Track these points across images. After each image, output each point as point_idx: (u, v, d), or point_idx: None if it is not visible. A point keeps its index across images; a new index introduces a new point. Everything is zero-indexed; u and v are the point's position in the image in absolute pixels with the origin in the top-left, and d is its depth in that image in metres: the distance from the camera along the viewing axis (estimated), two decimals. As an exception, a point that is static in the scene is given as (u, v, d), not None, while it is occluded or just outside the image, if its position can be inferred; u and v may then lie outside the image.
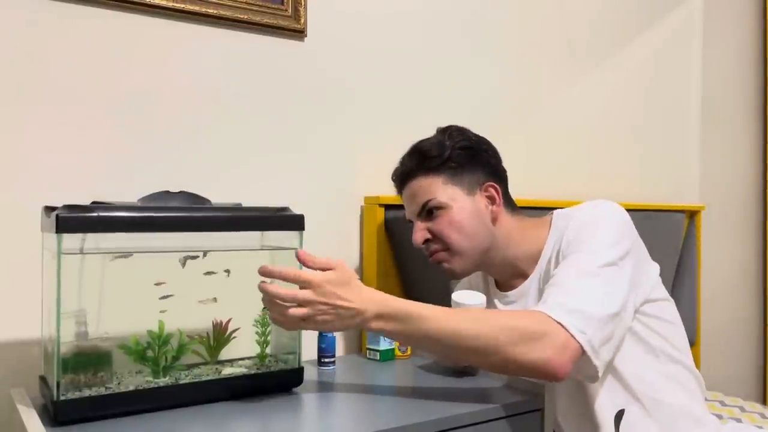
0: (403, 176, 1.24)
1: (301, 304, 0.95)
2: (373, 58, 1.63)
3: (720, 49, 2.52)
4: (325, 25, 1.54)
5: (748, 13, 2.64)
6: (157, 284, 1.03)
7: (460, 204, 1.18)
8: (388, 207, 1.55)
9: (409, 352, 1.38)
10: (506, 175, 1.26)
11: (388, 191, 1.56)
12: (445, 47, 1.76)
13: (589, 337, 0.96)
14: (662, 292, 1.17)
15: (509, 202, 1.25)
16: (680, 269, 2.19)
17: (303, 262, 1.00)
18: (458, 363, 1.20)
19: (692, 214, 2.28)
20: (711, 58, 2.50)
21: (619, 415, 1.10)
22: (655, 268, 1.18)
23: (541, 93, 1.99)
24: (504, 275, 1.24)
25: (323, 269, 0.97)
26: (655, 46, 2.32)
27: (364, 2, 1.62)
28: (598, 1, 2.13)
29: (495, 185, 1.21)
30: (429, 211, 1.19)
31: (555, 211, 1.22)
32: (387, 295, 0.99)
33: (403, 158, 1.25)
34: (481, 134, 1.25)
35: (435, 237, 1.19)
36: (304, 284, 0.95)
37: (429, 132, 1.25)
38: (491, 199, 1.21)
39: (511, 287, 1.23)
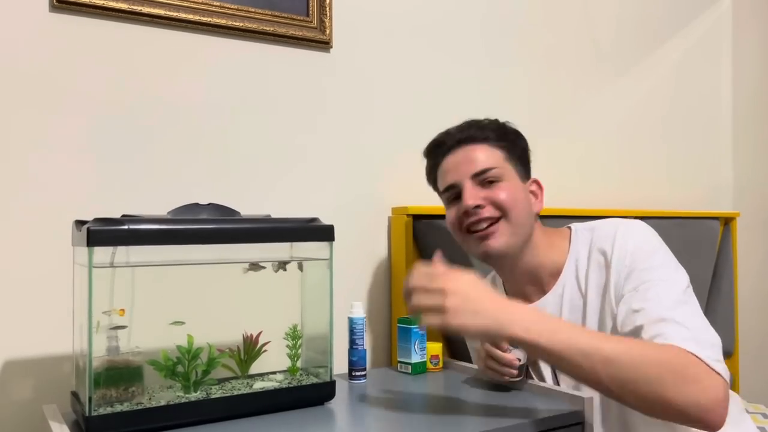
0: (459, 141, 1.17)
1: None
2: (399, 68, 1.62)
3: (750, 52, 2.47)
4: (350, 36, 1.54)
5: (778, 14, 2.58)
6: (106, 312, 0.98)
7: (516, 183, 1.17)
8: (416, 217, 1.53)
9: (440, 365, 1.35)
10: None
11: (415, 201, 1.55)
12: (471, 56, 1.74)
13: (723, 366, 0.92)
14: None
15: None
16: (716, 277, 2.13)
17: None
18: (598, 390, 0.98)
19: (727, 221, 2.22)
20: (741, 61, 2.44)
21: None
22: None
23: (571, 99, 1.96)
24: (520, 282, 1.21)
25: None
26: (684, 49, 2.28)
27: (389, 13, 1.61)
28: (626, 5, 2.10)
29: (539, 183, 1.21)
30: (486, 181, 1.14)
31: (573, 226, 1.20)
32: (533, 308, 0.95)
33: (459, 127, 1.20)
34: None
35: (491, 204, 1.13)
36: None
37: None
38: (534, 195, 1.20)
39: (524, 300, 1.18)
